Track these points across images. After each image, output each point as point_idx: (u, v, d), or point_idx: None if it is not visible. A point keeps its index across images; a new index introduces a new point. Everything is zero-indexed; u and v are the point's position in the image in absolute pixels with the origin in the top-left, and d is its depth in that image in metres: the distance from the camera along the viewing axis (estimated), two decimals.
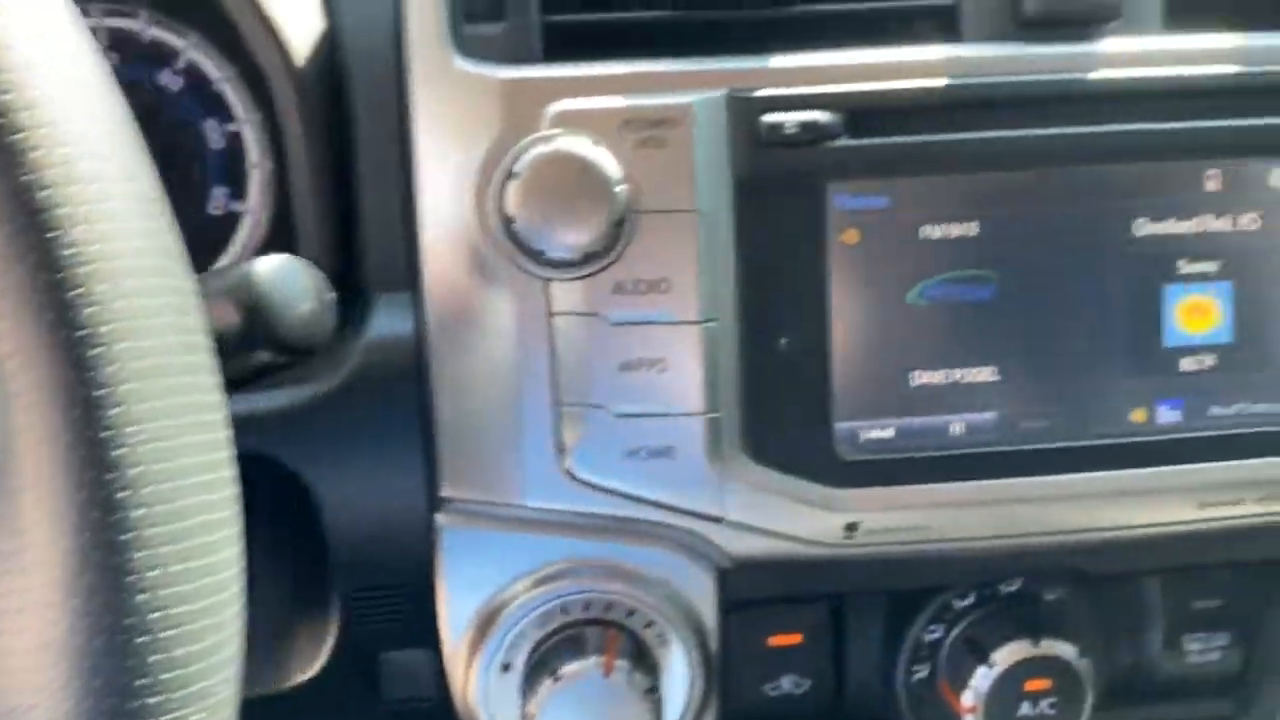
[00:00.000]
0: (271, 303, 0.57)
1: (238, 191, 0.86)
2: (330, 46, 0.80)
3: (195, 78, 0.87)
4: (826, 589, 0.83)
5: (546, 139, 0.65)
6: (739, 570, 0.78)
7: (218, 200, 0.89)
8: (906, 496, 0.73)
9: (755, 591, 0.82)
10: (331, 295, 0.62)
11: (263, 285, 0.56)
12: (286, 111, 0.78)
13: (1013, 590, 0.85)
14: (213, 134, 0.88)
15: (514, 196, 0.64)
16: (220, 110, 0.83)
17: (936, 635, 0.85)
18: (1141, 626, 0.89)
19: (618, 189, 0.64)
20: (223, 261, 0.88)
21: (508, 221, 0.65)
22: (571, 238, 0.64)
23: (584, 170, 0.64)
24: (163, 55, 0.87)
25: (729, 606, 0.81)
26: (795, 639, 0.84)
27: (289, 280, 0.58)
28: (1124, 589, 0.89)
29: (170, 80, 0.87)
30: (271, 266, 0.58)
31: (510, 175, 0.64)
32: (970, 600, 0.85)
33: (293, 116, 0.77)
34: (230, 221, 0.88)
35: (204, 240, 0.86)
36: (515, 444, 0.72)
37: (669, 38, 0.74)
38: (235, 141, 0.85)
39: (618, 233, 0.66)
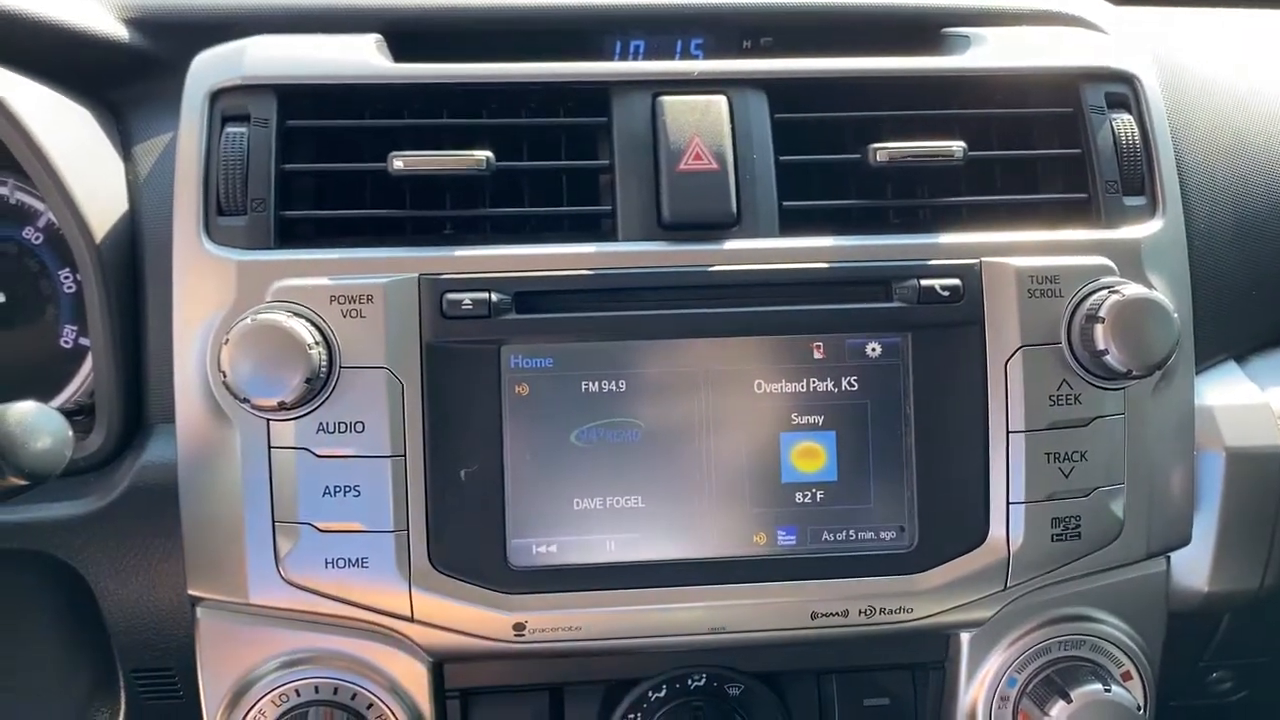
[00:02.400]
0: (13, 440, 0.73)
1: (85, 329, 1.03)
2: (131, 225, 0.99)
3: (53, 234, 1.06)
4: (534, 680, 0.98)
5: (255, 312, 0.83)
6: (455, 662, 0.93)
7: (67, 336, 1.07)
8: (565, 600, 0.89)
9: (475, 680, 0.97)
10: (69, 434, 0.78)
11: (6, 425, 0.73)
12: (85, 275, 0.96)
13: (700, 684, 1.00)
14: (65, 281, 1.07)
15: (225, 357, 0.82)
16: (72, 261, 1.00)
17: None
18: None
19: (311, 351, 0.82)
20: (74, 384, 1.06)
21: (223, 375, 0.82)
22: (270, 389, 0.81)
23: (281, 337, 0.81)
24: (27, 215, 1.06)
25: (455, 693, 0.96)
26: None
27: (29, 422, 0.74)
28: (805, 687, 1.03)
29: (33, 235, 1.07)
30: (17, 411, 0.74)
31: (226, 341, 0.82)
32: (663, 692, 1.00)
33: (90, 280, 0.95)
34: (79, 353, 1.05)
35: (57, 367, 1.04)
36: (242, 551, 0.88)
37: (391, 226, 0.93)
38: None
39: (317, 385, 0.84)
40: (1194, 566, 1.01)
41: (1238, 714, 1.29)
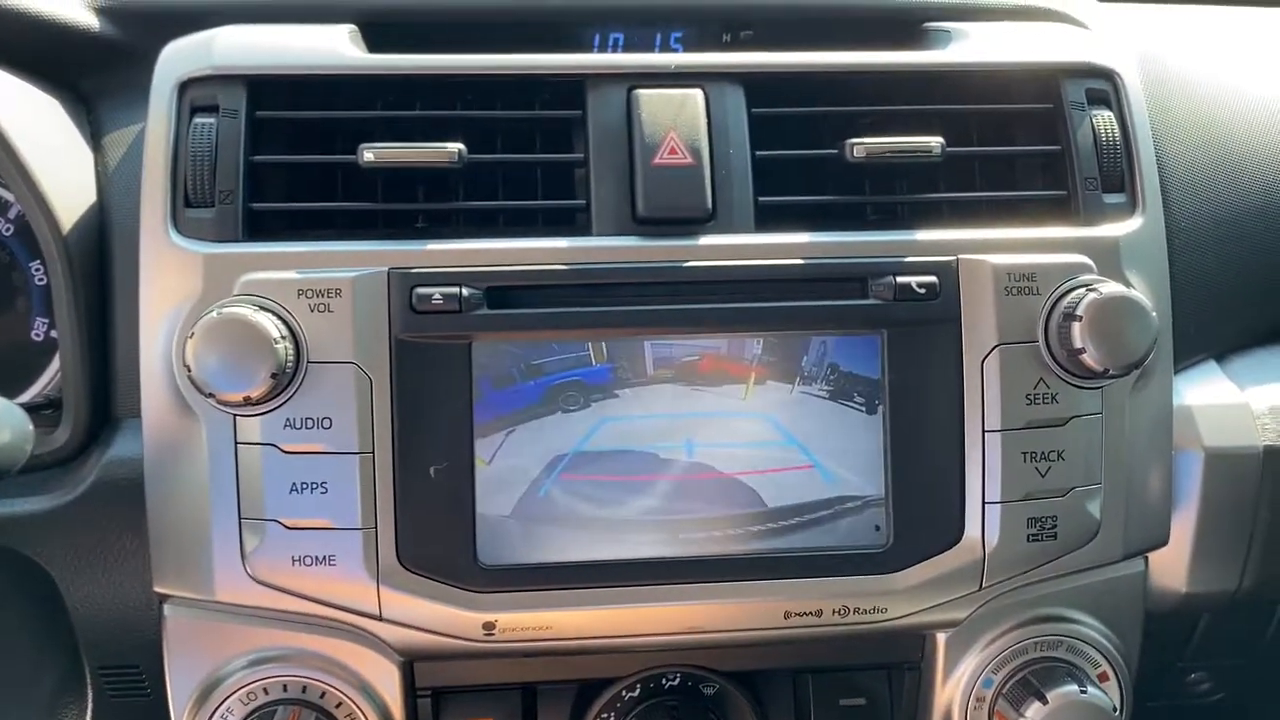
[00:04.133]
0: None
1: (55, 322, 1.01)
2: (99, 217, 0.97)
3: (23, 226, 1.04)
4: (506, 680, 0.97)
5: (221, 306, 0.82)
6: (425, 661, 0.92)
7: (38, 329, 1.05)
8: (536, 599, 0.88)
9: (446, 680, 0.96)
10: (29, 428, 0.77)
11: None
12: (52, 268, 0.94)
13: (674, 684, 0.99)
14: (36, 273, 1.05)
15: (190, 351, 0.81)
16: (42, 254, 0.98)
17: None
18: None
19: (278, 345, 0.81)
20: (44, 377, 1.05)
21: (188, 369, 0.81)
22: (235, 384, 0.80)
23: (246, 331, 0.80)
24: None
25: (426, 693, 0.95)
26: None
27: None
28: (780, 686, 1.03)
29: (3, 226, 1.05)
30: None
31: (191, 334, 0.81)
32: (637, 692, 0.99)
33: (57, 272, 0.94)
34: (50, 346, 1.04)
35: (28, 359, 1.02)
36: (208, 548, 0.87)
37: (362, 219, 0.92)
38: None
39: (284, 379, 0.82)
40: (1172, 567, 1.00)
41: (1215, 716, 1.29)
